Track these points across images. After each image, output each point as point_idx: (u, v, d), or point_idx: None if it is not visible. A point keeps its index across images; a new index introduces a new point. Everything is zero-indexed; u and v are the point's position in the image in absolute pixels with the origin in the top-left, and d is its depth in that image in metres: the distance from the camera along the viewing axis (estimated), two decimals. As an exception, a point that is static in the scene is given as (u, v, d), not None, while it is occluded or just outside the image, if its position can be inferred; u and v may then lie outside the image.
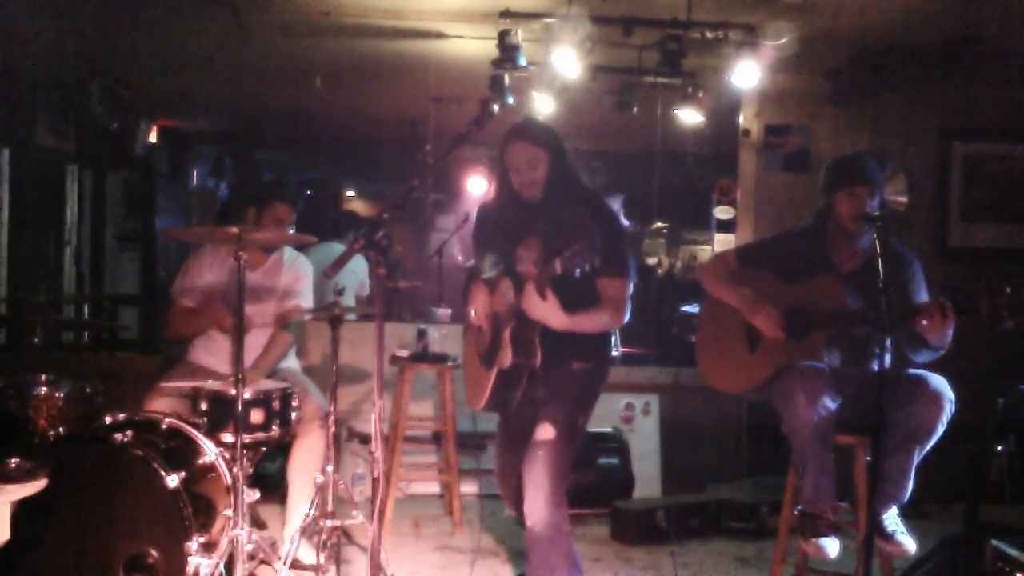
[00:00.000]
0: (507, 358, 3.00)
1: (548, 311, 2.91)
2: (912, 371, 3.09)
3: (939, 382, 2.99)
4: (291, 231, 3.97)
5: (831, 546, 3.03)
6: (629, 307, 3.06)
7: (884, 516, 3.08)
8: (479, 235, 3.35)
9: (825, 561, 3.14)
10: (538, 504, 2.94)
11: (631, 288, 3.06)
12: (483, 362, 3.17)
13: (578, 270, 2.71)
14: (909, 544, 3.03)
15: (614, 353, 3.21)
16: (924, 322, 2.87)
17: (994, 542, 3.28)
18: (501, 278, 3.13)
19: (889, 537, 3.04)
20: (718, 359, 3.36)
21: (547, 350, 3.02)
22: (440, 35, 5.49)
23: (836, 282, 3.10)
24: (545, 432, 2.98)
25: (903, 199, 5.47)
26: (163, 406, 3.51)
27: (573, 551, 3.05)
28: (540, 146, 3.04)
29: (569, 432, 3.01)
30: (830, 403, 3.00)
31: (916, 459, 3.04)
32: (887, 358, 2.81)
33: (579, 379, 3.09)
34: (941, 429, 2.99)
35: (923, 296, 3.21)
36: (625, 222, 3.28)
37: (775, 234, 3.51)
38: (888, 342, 2.82)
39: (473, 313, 3.21)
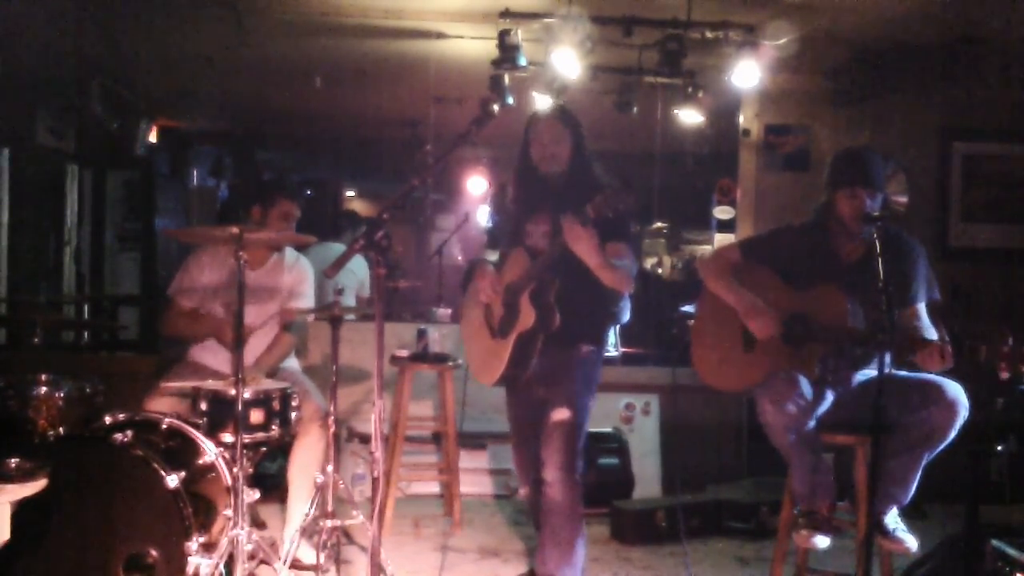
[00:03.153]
0: (529, 319, 3.14)
1: (590, 244, 3.00)
2: (928, 376, 3.05)
3: (956, 389, 2.97)
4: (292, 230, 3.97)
5: (820, 540, 3.05)
6: (633, 277, 3.16)
7: (885, 515, 3.08)
8: (494, 230, 3.52)
9: (814, 552, 3.15)
10: (558, 478, 3.16)
11: (634, 262, 3.20)
12: (497, 334, 3.29)
13: (611, 213, 2.89)
14: (911, 542, 3.03)
15: (611, 340, 3.32)
16: (921, 358, 2.86)
17: (994, 542, 3.28)
18: (514, 252, 3.30)
19: (890, 535, 3.04)
20: (713, 356, 3.35)
21: (559, 327, 3.15)
22: (440, 35, 5.49)
23: (839, 294, 3.05)
24: (561, 413, 3.17)
25: (903, 199, 5.48)
26: (163, 406, 3.51)
27: (583, 536, 3.25)
28: (566, 126, 3.27)
29: (581, 412, 3.21)
30: (799, 410, 3.00)
31: (922, 463, 3.04)
32: (887, 357, 2.81)
33: (586, 362, 3.26)
34: (952, 435, 2.98)
35: (923, 289, 3.19)
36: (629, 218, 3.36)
37: (779, 227, 3.45)
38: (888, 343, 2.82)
39: (482, 290, 3.32)
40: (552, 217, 3.13)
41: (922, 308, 3.18)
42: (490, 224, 3.66)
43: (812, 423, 3.05)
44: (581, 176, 3.22)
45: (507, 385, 3.40)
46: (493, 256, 3.49)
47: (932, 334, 3.10)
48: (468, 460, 4.97)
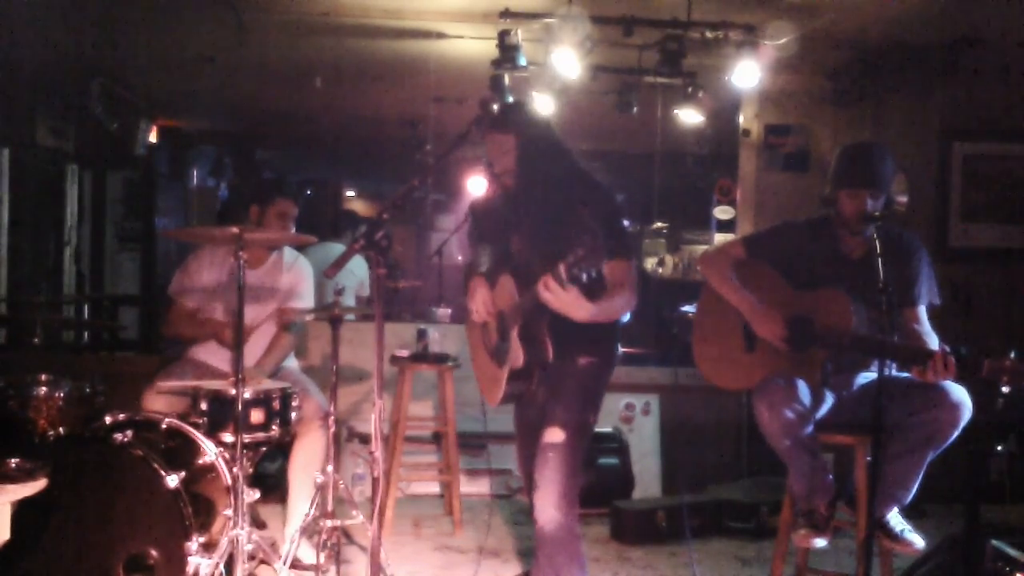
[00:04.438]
0: (519, 358, 2.96)
1: (572, 303, 2.74)
2: None
3: (960, 392, 2.96)
4: (292, 230, 3.97)
5: (820, 540, 3.06)
6: (632, 298, 3.01)
7: (888, 516, 3.08)
8: (473, 230, 3.37)
9: (814, 552, 3.15)
10: (548, 505, 2.94)
11: (635, 269, 3.00)
12: (494, 359, 3.15)
13: (584, 275, 2.61)
14: (917, 541, 3.03)
15: (618, 346, 3.19)
16: (921, 369, 2.83)
17: (994, 542, 3.28)
18: (502, 275, 3.09)
19: (897, 537, 3.04)
20: (715, 353, 3.33)
21: (554, 344, 2.98)
22: (440, 35, 5.49)
23: (843, 296, 3.04)
24: (554, 435, 2.96)
25: (903, 199, 5.47)
26: (163, 406, 3.51)
27: (581, 553, 3.05)
28: (507, 132, 2.99)
29: (578, 433, 3.00)
30: (796, 415, 3.00)
31: (925, 464, 3.03)
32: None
33: (586, 375, 3.05)
34: (954, 436, 2.98)
35: (926, 290, 3.19)
36: (625, 222, 3.24)
37: (783, 223, 3.42)
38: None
39: (475, 311, 3.18)
40: (532, 239, 2.95)
41: (923, 311, 3.18)
42: (470, 226, 3.47)
43: (810, 428, 3.05)
44: (539, 180, 2.99)
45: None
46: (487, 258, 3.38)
47: (933, 340, 3.10)
48: (469, 460, 4.98)
